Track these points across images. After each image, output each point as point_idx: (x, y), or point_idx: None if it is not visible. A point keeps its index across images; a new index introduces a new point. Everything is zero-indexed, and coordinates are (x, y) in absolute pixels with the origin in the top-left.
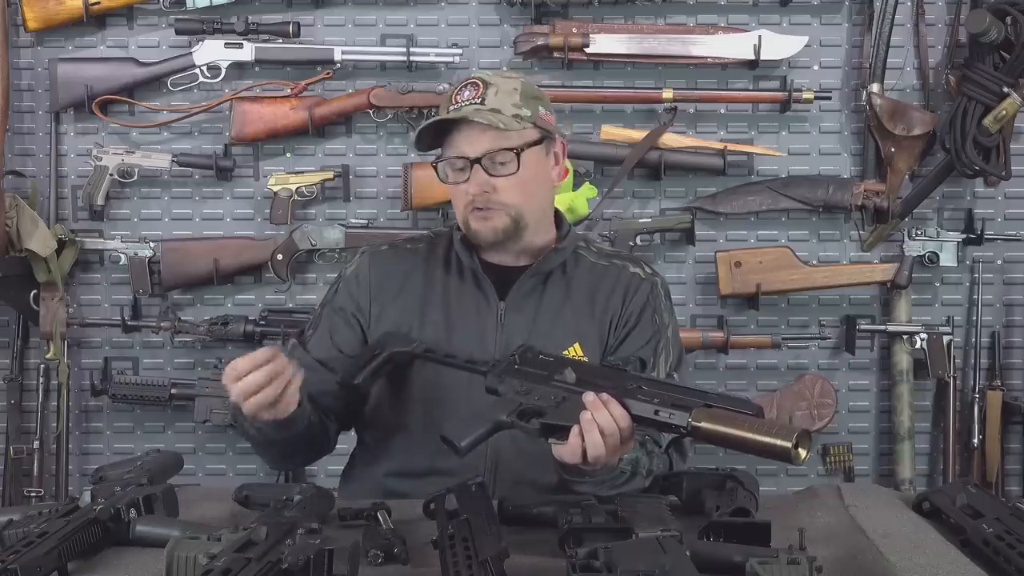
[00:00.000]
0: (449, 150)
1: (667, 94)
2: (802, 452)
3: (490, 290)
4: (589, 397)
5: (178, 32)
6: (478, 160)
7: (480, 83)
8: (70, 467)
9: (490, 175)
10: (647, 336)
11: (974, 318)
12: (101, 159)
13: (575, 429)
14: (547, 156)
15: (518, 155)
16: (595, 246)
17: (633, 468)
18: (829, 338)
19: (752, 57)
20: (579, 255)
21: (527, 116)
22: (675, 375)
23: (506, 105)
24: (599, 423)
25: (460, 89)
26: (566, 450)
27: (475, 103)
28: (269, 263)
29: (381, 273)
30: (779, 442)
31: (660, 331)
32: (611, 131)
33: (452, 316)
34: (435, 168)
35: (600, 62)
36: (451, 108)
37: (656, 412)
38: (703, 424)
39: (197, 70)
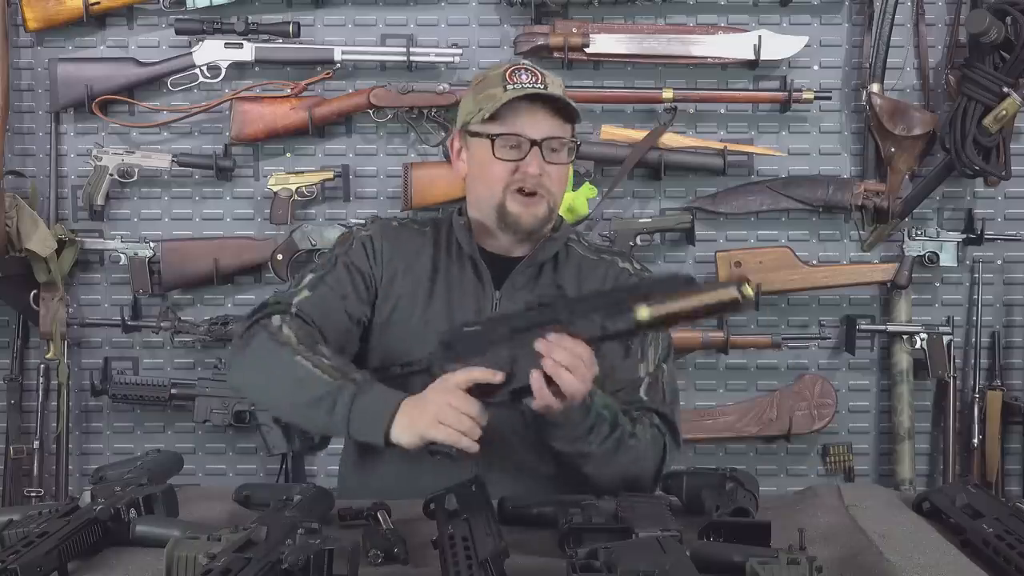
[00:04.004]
0: (505, 127)
1: (667, 94)
2: (747, 290)
3: (487, 278)
4: (540, 345)
5: (178, 32)
6: (537, 143)
7: (536, 71)
8: (70, 467)
9: (544, 160)
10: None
11: (974, 318)
12: (101, 159)
13: (536, 376)
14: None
15: (577, 147)
16: (585, 240)
17: (612, 418)
18: (829, 338)
19: (752, 57)
20: (570, 248)
21: (575, 118)
22: (664, 366)
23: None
24: (563, 363)
25: (513, 71)
26: (540, 402)
27: (539, 87)
28: (269, 263)
29: (392, 245)
30: (724, 293)
31: None
32: (611, 131)
33: (452, 301)
34: (492, 141)
35: (600, 62)
36: (510, 87)
37: (603, 328)
38: (648, 316)
39: (197, 70)
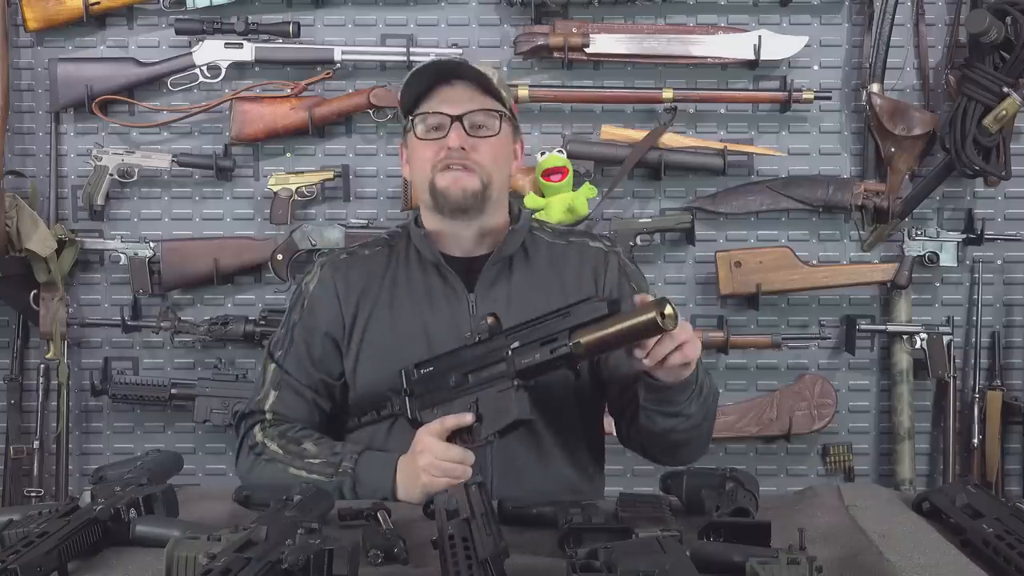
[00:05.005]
0: (425, 107)
1: (667, 94)
2: (668, 311)
3: (456, 281)
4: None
5: (178, 32)
6: (459, 119)
7: (461, 59)
8: (70, 467)
9: (469, 135)
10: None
11: (974, 318)
12: (101, 159)
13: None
14: (514, 141)
15: (501, 117)
16: (548, 226)
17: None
18: (829, 338)
19: (752, 57)
20: (535, 235)
21: (503, 96)
22: None
23: (486, 71)
24: (683, 339)
25: (436, 61)
26: (682, 365)
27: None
28: (269, 263)
29: (345, 282)
30: (644, 317)
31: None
32: (611, 131)
33: (423, 312)
34: (411, 121)
35: (600, 62)
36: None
37: (543, 360)
38: (584, 344)
39: (197, 70)
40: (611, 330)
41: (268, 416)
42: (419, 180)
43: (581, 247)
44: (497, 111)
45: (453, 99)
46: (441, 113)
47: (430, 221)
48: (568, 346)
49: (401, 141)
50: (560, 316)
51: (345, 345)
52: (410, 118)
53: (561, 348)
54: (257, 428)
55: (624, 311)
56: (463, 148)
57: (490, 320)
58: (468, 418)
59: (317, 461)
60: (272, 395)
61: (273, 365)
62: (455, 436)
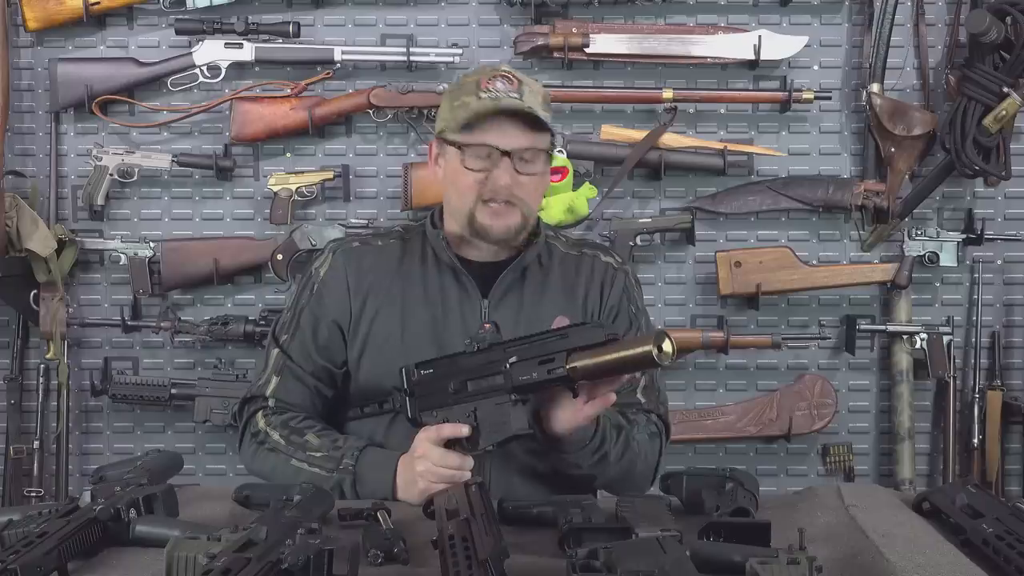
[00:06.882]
0: (475, 138)
1: (667, 94)
2: (666, 347)
3: (471, 285)
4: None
5: (178, 32)
6: (508, 154)
7: (513, 78)
8: (70, 467)
9: (516, 171)
10: (626, 327)
11: (974, 318)
12: (101, 159)
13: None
14: (548, 164)
15: (550, 156)
16: (562, 234)
17: (616, 424)
18: (829, 338)
19: (752, 57)
20: (551, 245)
21: (548, 121)
22: None
23: (537, 106)
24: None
25: (491, 79)
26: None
27: (513, 96)
28: (269, 263)
29: (356, 270)
30: (641, 349)
31: (637, 318)
32: (611, 131)
33: (436, 312)
34: (461, 150)
35: (600, 62)
36: (483, 95)
37: (539, 377)
38: (580, 369)
39: (197, 70)
40: (607, 358)
41: (270, 402)
42: (457, 203)
43: (593, 259)
44: (546, 148)
45: (507, 131)
46: (494, 147)
47: (454, 227)
48: (565, 369)
49: (434, 141)
50: (558, 337)
51: (351, 334)
52: (457, 140)
53: (558, 370)
54: (259, 415)
55: (622, 339)
56: (510, 185)
57: (488, 327)
58: (464, 430)
59: (319, 454)
60: (274, 380)
61: (276, 350)
62: (454, 442)
